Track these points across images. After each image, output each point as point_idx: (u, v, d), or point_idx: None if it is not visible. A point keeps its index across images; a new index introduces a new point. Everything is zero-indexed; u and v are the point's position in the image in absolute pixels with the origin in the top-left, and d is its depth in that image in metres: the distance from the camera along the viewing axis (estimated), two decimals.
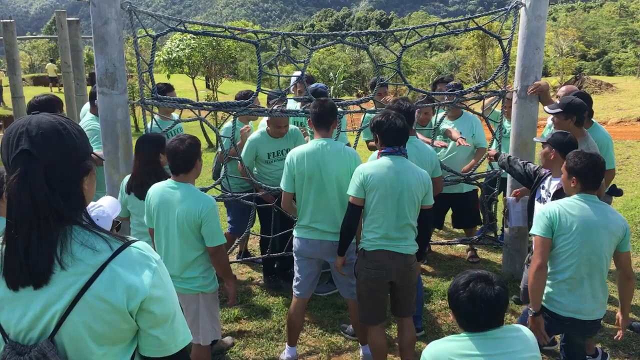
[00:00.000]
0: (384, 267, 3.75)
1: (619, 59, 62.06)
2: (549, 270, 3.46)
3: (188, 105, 4.89)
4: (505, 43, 5.34)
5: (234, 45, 17.49)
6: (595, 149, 4.48)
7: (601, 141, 5.07)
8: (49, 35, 32.64)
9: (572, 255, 3.39)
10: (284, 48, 5.20)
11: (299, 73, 5.34)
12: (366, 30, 5.45)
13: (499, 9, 5.42)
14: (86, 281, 1.39)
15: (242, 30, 5.09)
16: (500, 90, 5.52)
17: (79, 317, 1.39)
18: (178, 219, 3.48)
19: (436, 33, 5.35)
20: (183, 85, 32.06)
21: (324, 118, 4.06)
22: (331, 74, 48.52)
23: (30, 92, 12.93)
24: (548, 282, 3.47)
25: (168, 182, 3.57)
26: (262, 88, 5.14)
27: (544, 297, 3.48)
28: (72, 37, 11.18)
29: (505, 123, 5.70)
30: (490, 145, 5.57)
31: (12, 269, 1.38)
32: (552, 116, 4.70)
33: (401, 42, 5.33)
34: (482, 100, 5.72)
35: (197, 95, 21.54)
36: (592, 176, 3.41)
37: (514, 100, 5.35)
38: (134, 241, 1.49)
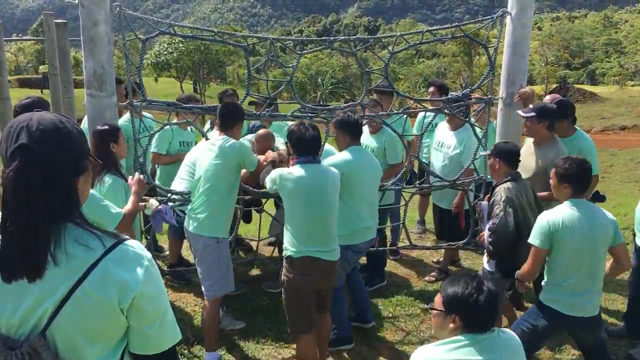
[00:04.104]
0: (311, 273, 3.80)
1: (603, 68, 62.83)
2: (550, 279, 3.66)
3: (176, 108, 4.90)
4: (491, 51, 5.41)
5: (223, 49, 17.50)
6: (565, 155, 4.59)
7: (585, 148, 5.16)
8: (36, 37, 32.38)
9: (574, 263, 3.55)
10: (273, 52, 5.24)
11: None
12: (354, 37, 5.50)
13: (486, 17, 5.49)
14: (78, 277, 1.41)
15: (231, 35, 5.12)
16: (486, 97, 5.59)
17: (71, 313, 1.41)
18: None
19: (423, 40, 5.41)
20: (170, 89, 32.03)
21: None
22: (319, 80, 48.66)
23: (16, 94, 12.81)
24: (552, 289, 3.66)
25: None
26: (250, 92, 5.18)
27: (550, 297, 3.65)
28: (60, 39, 11.09)
29: (477, 130, 5.73)
30: (476, 152, 5.61)
31: (7, 260, 1.39)
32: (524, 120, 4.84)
33: (389, 48, 5.39)
34: (469, 108, 5.77)
35: None
36: (583, 181, 3.59)
37: (499, 107, 5.42)
38: (126, 239, 1.52)
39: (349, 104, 5.60)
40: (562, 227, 3.51)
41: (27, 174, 1.38)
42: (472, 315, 2.35)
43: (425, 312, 5.28)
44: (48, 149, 1.42)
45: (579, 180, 3.58)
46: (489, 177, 5.35)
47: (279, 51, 5.09)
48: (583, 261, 3.54)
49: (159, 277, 1.55)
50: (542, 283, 3.81)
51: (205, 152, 4.19)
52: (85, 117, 4.91)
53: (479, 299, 2.34)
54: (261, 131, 4.89)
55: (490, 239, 4.07)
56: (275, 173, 3.88)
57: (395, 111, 5.78)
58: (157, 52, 17.73)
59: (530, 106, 4.86)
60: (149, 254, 1.54)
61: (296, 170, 3.78)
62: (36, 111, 1.50)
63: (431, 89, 6.50)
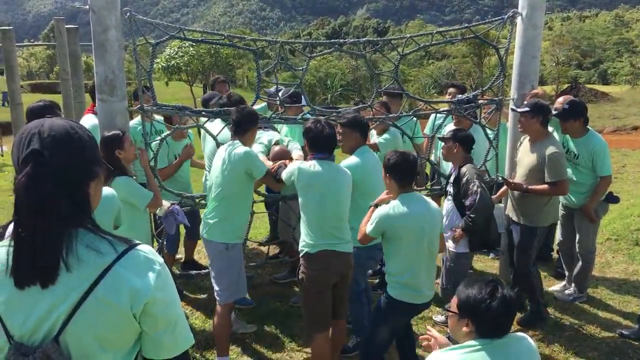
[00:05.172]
0: (328, 266, 3.86)
1: (615, 68, 62.39)
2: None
3: (187, 112, 4.91)
4: (502, 52, 5.38)
5: (232, 53, 17.55)
6: (559, 149, 4.76)
7: (598, 148, 5.14)
8: (48, 43, 32.67)
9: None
10: (282, 55, 5.23)
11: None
12: (364, 39, 5.49)
13: (496, 18, 5.46)
14: (91, 283, 1.41)
15: (240, 38, 5.12)
16: (497, 98, 5.56)
17: (84, 319, 1.41)
18: None
19: (434, 41, 5.39)
20: (181, 93, 32.15)
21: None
22: (328, 82, 48.63)
23: (28, 99, 12.93)
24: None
25: None
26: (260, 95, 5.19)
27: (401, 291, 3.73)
28: (71, 44, 11.21)
29: (488, 131, 5.70)
30: (488, 153, 5.58)
31: (20, 266, 1.39)
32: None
33: (399, 50, 5.37)
34: (480, 109, 5.74)
35: (194, 103, 21.56)
36: (405, 172, 3.68)
37: (510, 108, 5.39)
38: (138, 244, 1.51)
39: (359, 106, 5.58)
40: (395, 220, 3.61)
41: (39, 180, 1.38)
42: (485, 320, 2.32)
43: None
44: (59, 155, 1.42)
45: (401, 171, 3.65)
46: (499, 178, 5.33)
47: (288, 54, 5.08)
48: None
49: (172, 282, 1.54)
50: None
51: (218, 157, 4.21)
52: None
53: (491, 305, 2.31)
54: (277, 148, 4.85)
55: (472, 216, 4.26)
56: (294, 166, 3.95)
57: (405, 113, 5.76)
58: (167, 56, 17.82)
59: (525, 102, 4.92)
60: (160, 259, 1.54)
61: (314, 166, 3.85)
62: (47, 117, 1.51)
63: (451, 89, 6.48)
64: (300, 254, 3.99)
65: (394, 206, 3.63)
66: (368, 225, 3.73)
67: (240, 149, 4.08)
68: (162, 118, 5.30)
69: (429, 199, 3.87)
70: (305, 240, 3.92)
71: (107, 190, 3.79)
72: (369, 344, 3.94)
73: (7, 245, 1.44)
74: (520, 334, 2.46)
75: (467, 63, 49.12)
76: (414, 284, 3.67)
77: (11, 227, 1.50)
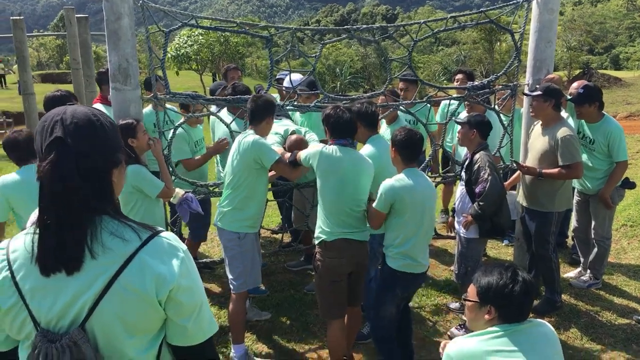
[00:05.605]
0: (344, 254, 3.86)
1: (627, 53, 61.60)
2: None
3: (201, 100, 4.90)
4: (517, 37, 5.31)
5: (242, 41, 17.47)
6: (572, 131, 4.72)
7: (614, 133, 5.09)
8: (58, 33, 32.69)
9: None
10: (293, 43, 5.19)
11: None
12: (377, 25, 5.44)
13: (511, 2, 5.39)
14: (116, 270, 1.41)
15: (253, 26, 5.10)
16: (512, 84, 5.50)
17: (109, 306, 1.41)
18: None
19: (447, 27, 5.33)
20: (191, 82, 32.14)
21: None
22: (337, 70, 48.39)
23: (39, 90, 12.97)
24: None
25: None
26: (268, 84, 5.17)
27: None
28: (82, 33, 11.21)
29: (503, 117, 5.65)
30: (502, 139, 5.54)
31: (45, 254, 1.40)
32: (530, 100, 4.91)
33: (412, 36, 5.32)
34: (494, 95, 5.68)
35: (204, 92, 21.57)
36: (410, 148, 3.79)
37: (522, 93, 5.33)
38: (161, 231, 1.51)
39: (372, 93, 5.55)
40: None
41: (63, 167, 1.38)
42: (508, 305, 2.32)
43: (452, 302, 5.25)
44: (82, 142, 1.42)
45: (407, 147, 3.77)
46: (513, 164, 5.29)
47: (297, 42, 5.02)
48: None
49: (195, 269, 1.55)
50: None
51: (233, 146, 4.19)
52: None
53: (514, 289, 2.30)
54: (294, 137, 4.78)
55: (481, 203, 4.28)
56: (316, 149, 3.89)
57: (418, 100, 5.72)
58: (177, 45, 17.75)
59: (537, 86, 4.88)
60: (184, 246, 1.54)
61: (335, 151, 3.82)
62: (69, 105, 1.50)
63: (459, 75, 6.43)
64: (316, 242, 3.98)
65: (399, 179, 3.75)
66: (376, 202, 3.81)
67: (249, 137, 4.05)
68: (174, 107, 5.29)
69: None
70: (321, 227, 3.91)
71: None
72: (378, 321, 3.97)
73: (31, 233, 1.45)
74: (539, 319, 2.45)
75: (477, 49, 48.60)
76: (413, 253, 3.80)
77: (35, 214, 1.50)
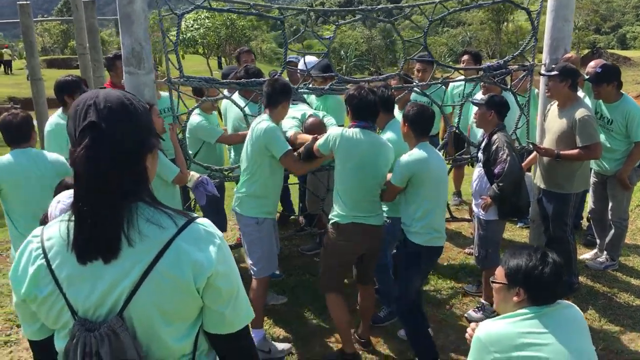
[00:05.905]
0: (356, 238, 3.86)
1: (634, 32, 60.90)
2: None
3: (215, 84, 4.85)
4: (533, 15, 5.22)
5: (248, 24, 17.32)
6: (590, 111, 4.66)
7: (632, 112, 5.03)
8: (64, 17, 32.51)
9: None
10: (309, 24, 5.12)
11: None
12: (392, 5, 5.36)
13: None
14: (153, 258, 1.38)
15: (266, 7, 5.03)
16: (528, 64, 5.42)
17: (147, 294, 1.38)
18: None
19: (463, 6, 5.25)
20: (197, 66, 31.99)
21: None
22: (342, 52, 48.07)
23: (46, 75, 12.93)
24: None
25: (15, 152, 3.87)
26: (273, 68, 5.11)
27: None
28: (88, 18, 11.10)
29: (519, 98, 5.58)
30: (518, 121, 5.47)
31: (82, 241, 1.37)
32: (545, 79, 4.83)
33: (427, 15, 5.23)
34: (510, 75, 5.60)
35: (212, 75, 21.48)
36: (420, 124, 3.84)
37: (539, 72, 5.25)
38: (196, 217, 1.48)
39: (386, 75, 5.48)
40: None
41: (98, 152, 1.34)
42: (538, 287, 2.29)
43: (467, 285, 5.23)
44: (117, 126, 1.38)
45: (419, 122, 3.82)
46: (530, 145, 5.23)
47: (300, 24, 4.96)
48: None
49: (231, 255, 1.52)
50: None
51: (249, 132, 4.15)
52: (55, 114, 4.82)
53: (544, 271, 2.28)
54: (311, 120, 4.68)
55: (500, 184, 4.24)
56: (337, 131, 3.82)
57: (434, 81, 5.65)
58: (183, 29, 17.56)
59: (553, 66, 4.80)
60: (220, 232, 1.50)
61: (356, 134, 3.76)
62: (101, 88, 1.47)
63: (465, 57, 6.35)
64: (330, 222, 3.97)
65: (413, 153, 3.78)
66: (392, 177, 3.83)
67: (262, 124, 3.98)
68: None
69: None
70: (336, 210, 3.89)
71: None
72: (406, 297, 3.95)
73: (67, 220, 1.42)
74: (566, 301, 2.42)
75: (484, 30, 48.14)
76: (437, 225, 3.88)
77: (70, 200, 1.47)
